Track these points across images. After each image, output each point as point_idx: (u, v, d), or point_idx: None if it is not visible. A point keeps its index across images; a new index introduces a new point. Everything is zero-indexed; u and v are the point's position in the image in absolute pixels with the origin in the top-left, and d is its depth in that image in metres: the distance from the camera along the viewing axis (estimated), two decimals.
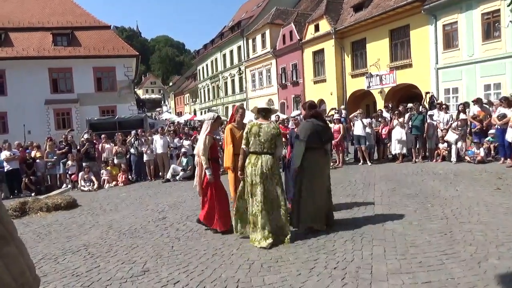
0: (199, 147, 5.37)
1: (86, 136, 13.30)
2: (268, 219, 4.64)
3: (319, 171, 5.10)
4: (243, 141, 4.85)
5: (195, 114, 50.81)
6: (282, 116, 17.93)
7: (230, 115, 6.13)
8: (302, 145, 4.99)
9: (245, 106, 39.02)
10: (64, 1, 30.42)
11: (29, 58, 25.38)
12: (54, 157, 12.15)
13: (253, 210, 4.71)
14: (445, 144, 10.84)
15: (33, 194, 11.14)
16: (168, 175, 11.63)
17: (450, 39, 18.44)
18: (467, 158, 10.29)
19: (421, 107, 12.16)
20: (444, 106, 11.96)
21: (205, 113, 44.56)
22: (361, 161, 11.67)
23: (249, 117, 5.64)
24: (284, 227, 4.70)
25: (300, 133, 5.10)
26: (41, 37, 26.81)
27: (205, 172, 5.22)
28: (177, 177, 11.47)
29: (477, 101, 11.30)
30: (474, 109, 11.23)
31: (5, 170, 11.36)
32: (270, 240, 4.54)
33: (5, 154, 11.41)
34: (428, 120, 11.16)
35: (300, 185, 5.02)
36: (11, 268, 1.02)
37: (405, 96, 21.30)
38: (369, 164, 11.38)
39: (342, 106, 19.68)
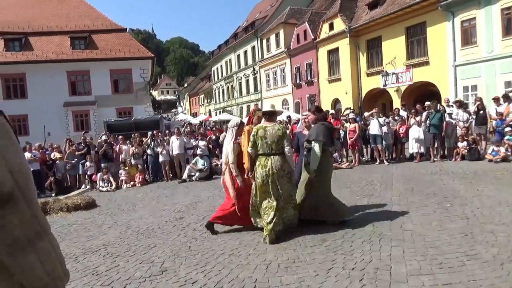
0: (227, 156, 5.40)
1: (104, 137, 13.51)
2: (279, 219, 4.87)
3: (331, 171, 5.57)
4: (250, 144, 5.04)
5: (210, 114, 51.09)
6: (297, 116, 17.90)
7: (247, 117, 6.20)
8: (321, 147, 5.13)
9: (260, 107, 38.80)
10: (81, 5, 31.01)
11: (48, 62, 25.98)
12: (75, 159, 12.40)
13: (267, 206, 4.91)
14: (465, 143, 10.61)
15: (53, 194, 11.40)
16: (184, 176, 11.72)
17: (468, 36, 18.03)
18: (487, 157, 10.06)
19: (439, 105, 11.95)
20: (465, 106, 11.72)
21: (220, 113, 44.82)
22: (378, 161, 11.54)
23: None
24: (293, 220, 5.06)
25: (318, 135, 5.17)
26: (59, 40, 27.38)
27: (234, 178, 5.32)
28: (193, 178, 11.56)
29: (506, 97, 11.06)
30: (500, 107, 10.96)
31: None
32: (273, 236, 4.75)
33: (26, 155, 11.71)
34: (447, 118, 10.95)
35: (323, 185, 5.31)
36: (44, 263, 1.07)
37: (422, 94, 20.94)
38: (386, 163, 11.24)
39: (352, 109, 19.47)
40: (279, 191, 4.88)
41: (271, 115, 5.21)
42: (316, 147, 5.13)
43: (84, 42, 27.70)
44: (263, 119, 5.30)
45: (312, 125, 5.60)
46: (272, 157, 4.87)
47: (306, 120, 6.46)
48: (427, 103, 11.45)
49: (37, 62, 25.75)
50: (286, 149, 4.91)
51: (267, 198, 4.94)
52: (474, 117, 11.30)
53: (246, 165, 5.88)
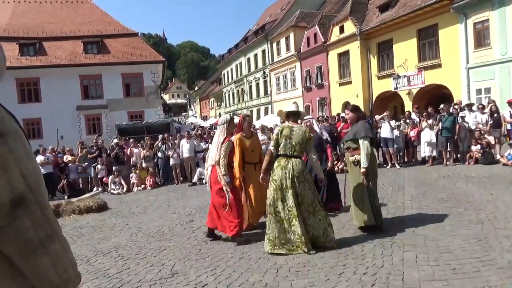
0: (214, 155, 5.07)
1: (115, 140, 13.64)
2: (304, 226, 4.46)
3: (376, 168, 5.45)
4: (272, 143, 4.76)
5: None
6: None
7: (237, 124, 5.89)
8: (370, 143, 5.10)
9: (269, 110, 38.47)
10: (93, 10, 31.52)
11: (62, 66, 26.41)
12: (85, 163, 12.54)
13: (286, 216, 4.48)
14: (478, 146, 10.44)
15: (66, 197, 11.53)
16: (195, 179, 11.76)
17: (481, 38, 17.80)
18: (502, 160, 9.87)
19: (451, 108, 11.77)
20: (480, 106, 11.51)
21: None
22: (389, 164, 11.42)
23: (274, 120, 5.70)
24: (327, 231, 4.54)
25: (367, 132, 5.12)
26: (72, 45, 27.81)
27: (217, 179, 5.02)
28: (203, 181, 11.57)
29: None
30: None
31: None
32: (309, 247, 4.42)
33: (40, 158, 11.87)
34: (460, 121, 10.78)
35: (370, 184, 5.10)
36: (56, 265, 1.09)
37: (434, 97, 20.72)
38: (398, 167, 11.11)
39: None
40: (299, 197, 4.48)
41: (297, 116, 4.95)
42: (366, 144, 5.07)
43: (96, 46, 28.10)
44: (280, 120, 5.25)
45: (354, 124, 5.44)
46: (293, 159, 4.54)
47: (308, 124, 6.43)
48: (442, 106, 11.29)
49: (50, 66, 26.20)
50: (310, 154, 4.76)
51: (284, 207, 4.48)
52: (491, 120, 11.05)
53: (238, 175, 5.51)
